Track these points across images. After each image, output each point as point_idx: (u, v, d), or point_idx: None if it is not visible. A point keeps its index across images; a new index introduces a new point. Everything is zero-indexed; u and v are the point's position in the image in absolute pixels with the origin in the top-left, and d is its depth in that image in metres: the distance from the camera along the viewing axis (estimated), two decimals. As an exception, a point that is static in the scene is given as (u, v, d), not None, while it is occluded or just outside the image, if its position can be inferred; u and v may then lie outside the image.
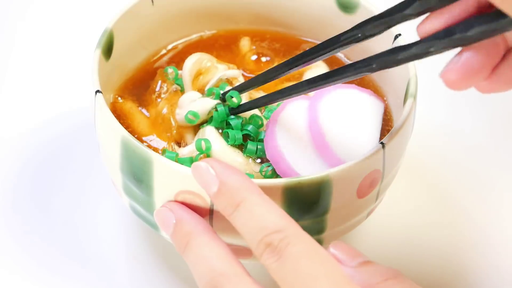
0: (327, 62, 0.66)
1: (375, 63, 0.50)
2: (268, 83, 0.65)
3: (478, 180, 0.71)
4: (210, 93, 0.60)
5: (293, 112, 0.58)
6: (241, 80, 0.62)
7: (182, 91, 0.62)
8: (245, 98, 0.62)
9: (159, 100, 0.62)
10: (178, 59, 0.66)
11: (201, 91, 0.62)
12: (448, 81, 0.46)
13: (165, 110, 0.61)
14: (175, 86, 0.62)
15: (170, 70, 0.63)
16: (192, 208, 0.53)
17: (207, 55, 0.63)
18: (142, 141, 0.59)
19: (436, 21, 0.47)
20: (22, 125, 0.73)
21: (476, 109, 0.76)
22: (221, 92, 0.60)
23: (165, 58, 0.66)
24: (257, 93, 0.63)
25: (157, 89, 0.63)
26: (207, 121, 0.59)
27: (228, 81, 0.62)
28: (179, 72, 0.63)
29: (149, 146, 0.59)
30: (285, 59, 0.66)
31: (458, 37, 0.45)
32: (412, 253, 0.65)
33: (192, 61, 0.62)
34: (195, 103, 0.59)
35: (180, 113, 0.59)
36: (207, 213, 0.53)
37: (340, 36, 0.53)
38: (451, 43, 0.46)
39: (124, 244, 0.65)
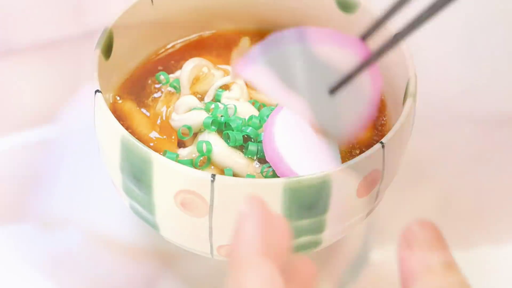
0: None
1: None
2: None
3: (479, 180, 0.71)
4: (208, 108, 0.60)
5: (291, 113, 0.58)
6: (240, 81, 0.62)
7: (178, 92, 0.62)
8: (244, 97, 0.62)
9: (155, 96, 0.62)
10: (177, 58, 0.66)
11: (197, 94, 0.62)
12: None
13: (163, 113, 0.61)
14: (170, 88, 0.62)
15: (162, 77, 0.63)
16: (192, 208, 0.53)
17: (205, 61, 0.63)
18: (143, 142, 0.59)
19: None
20: (22, 125, 0.73)
21: (476, 110, 0.76)
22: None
23: (165, 58, 0.66)
24: (257, 93, 0.63)
25: (153, 93, 0.63)
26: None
27: (225, 87, 0.62)
28: (171, 76, 0.63)
29: (150, 147, 0.59)
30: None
31: None
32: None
33: (191, 66, 0.62)
34: (189, 116, 0.59)
35: (176, 120, 0.60)
36: (207, 213, 0.53)
37: None
38: None
39: (124, 244, 0.65)
